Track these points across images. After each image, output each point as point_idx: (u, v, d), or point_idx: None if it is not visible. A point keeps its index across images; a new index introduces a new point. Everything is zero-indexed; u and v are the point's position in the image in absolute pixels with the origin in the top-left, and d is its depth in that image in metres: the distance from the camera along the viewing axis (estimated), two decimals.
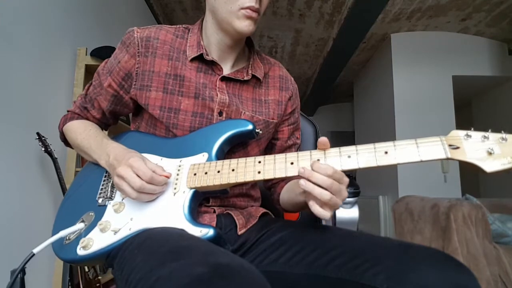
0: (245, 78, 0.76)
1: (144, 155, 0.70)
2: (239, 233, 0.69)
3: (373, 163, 0.56)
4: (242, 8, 0.66)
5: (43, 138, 1.52)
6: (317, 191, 0.54)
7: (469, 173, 4.08)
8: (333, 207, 0.56)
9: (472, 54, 3.82)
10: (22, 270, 0.64)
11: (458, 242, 1.74)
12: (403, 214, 2.23)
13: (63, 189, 1.56)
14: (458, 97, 3.79)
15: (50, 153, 1.54)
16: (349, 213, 0.88)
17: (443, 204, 1.89)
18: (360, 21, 3.30)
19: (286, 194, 0.80)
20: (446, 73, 3.78)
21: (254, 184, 0.83)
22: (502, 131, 0.54)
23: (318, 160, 0.59)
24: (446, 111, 3.69)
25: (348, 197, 0.88)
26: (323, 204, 0.55)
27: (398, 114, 3.75)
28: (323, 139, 0.59)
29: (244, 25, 0.68)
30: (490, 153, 0.52)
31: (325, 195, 0.54)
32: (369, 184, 4.32)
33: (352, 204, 0.90)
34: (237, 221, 0.70)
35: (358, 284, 0.51)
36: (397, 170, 3.61)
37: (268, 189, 0.88)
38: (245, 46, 0.82)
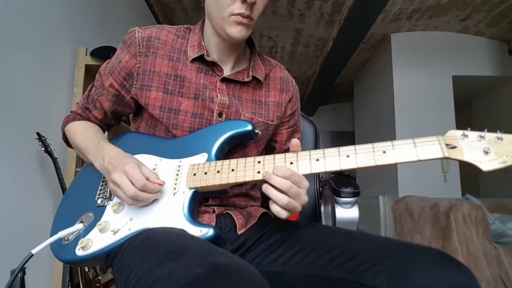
0: (246, 80, 0.76)
1: (144, 155, 0.70)
2: (239, 233, 0.69)
3: (371, 163, 0.57)
4: (233, 15, 0.66)
5: (43, 138, 1.52)
6: (275, 195, 0.57)
7: (469, 173, 4.08)
8: (292, 210, 0.58)
9: (472, 54, 3.82)
10: (22, 270, 0.63)
11: (458, 242, 1.74)
12: (403, 214, 2.23)
13: (63, 189, 1.56)
14: (458, 97, 3.79)
15: (50, 153, 1.54)
16: (349, 213, 0.88)
17: (443, 204, 1.89)
18: (360, 21, 3.30)
19: None
20: (446, 73, 3.77)
21: (254, 184, 0.83)
22: (498, 131, 0.54)
23: (317, 160, 0.59)
24: (446, 111, 3.68)
25: (348, 197, 0.88)
26: (282, 207, 0.57)
27: (398, 114, 3.74)
28: (295, 141, 0.61)
29: (235, 31, 0.68)
30: (486, 152, 0.53)
31: (282, 199, 0.56)
32: (369, 184, 4.32)
33: (352, 204, 0.89)
34: (236, 221, 0.70)
35: (358, 284, 0.51)
36: (397, 170, 3.60)
37: None
38: (247, 46, 0.82)
